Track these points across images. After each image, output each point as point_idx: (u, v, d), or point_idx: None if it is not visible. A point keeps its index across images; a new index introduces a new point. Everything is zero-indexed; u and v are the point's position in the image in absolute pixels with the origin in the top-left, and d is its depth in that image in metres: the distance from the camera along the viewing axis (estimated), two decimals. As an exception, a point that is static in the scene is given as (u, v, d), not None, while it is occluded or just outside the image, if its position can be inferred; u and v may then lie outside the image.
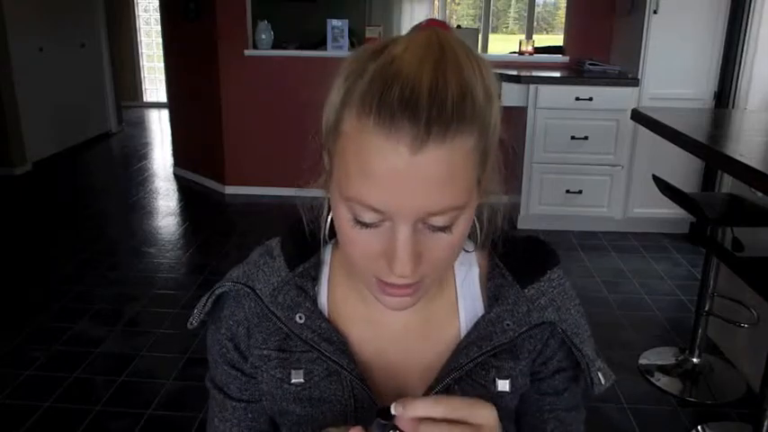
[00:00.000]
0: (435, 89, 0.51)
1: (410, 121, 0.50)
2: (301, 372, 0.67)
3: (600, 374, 0.69)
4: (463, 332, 0.69)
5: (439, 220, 0.54)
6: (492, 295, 0.70)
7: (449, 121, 0.51)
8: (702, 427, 2.15)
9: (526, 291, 0.69)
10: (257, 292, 0.68)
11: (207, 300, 0.70)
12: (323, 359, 0.66)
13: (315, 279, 0.70)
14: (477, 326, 0.68)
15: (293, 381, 0.68)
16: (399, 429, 0.51)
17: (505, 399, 0.69)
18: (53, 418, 2.16)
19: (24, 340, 2.64)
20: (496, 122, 0.56)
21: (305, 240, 0.70)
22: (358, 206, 0.54)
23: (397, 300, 0.60)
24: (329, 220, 0.67)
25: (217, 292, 0.70)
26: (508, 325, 0.67)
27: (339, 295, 0.70)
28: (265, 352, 0.69)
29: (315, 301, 0.69)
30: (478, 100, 0.53)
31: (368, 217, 0.55)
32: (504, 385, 0.68)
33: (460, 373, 0.66)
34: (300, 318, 0.67)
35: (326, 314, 0.69)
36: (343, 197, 0.55)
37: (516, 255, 0.71)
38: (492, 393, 0.68)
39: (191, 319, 0.70)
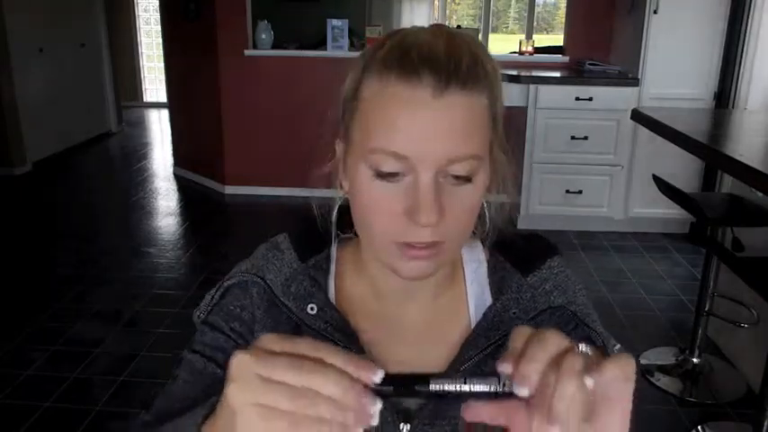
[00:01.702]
0: (451, 52, 0.56)
1: (431, 72, 0.55)
2: None
3: (617, 351, 0.69)
4: (473, 325, 0.69)
5: (460, 169, 0.56)
6: (497, 287, 0.70)
7: (465, 77, 0.56)
8: (702, 427, 2.15)
9: (528, 278, 0.69)
10: (267, 282, 0.68)
11: (216, 292, 0.70)
12: None
13: (326, 272, 0.70)
14: (484, 317, 0.68)
15: None
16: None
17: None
18: (53, 418, 2.16)
19: (24, 340, 2.64)
20: (502, 98, 0.61)
21: (313, 235, 0.71)
22: (381, 156, 0.56)
23: (416, 264, 0.59)
24: (334, 215, 0.69)
25: (226, 284, 0.70)
26: (515, 313, 0.68)
27: (347, 290, 0.71)
28: None
29: (326, 292, 0.69)
30: (488, 69, 0.58)
31: (390, 166, 0.56)
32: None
33: (470, 365, 0.66)
34: (312, 308, 0.67)
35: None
36: (366, 151, 0.57)
37: (516, 248, 0.72)
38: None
39: (197, 312, 0.70)
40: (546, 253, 0.72)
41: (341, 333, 0.66)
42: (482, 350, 0.66)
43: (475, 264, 0.72)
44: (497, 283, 0.70)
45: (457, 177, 0.57)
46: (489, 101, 0.58)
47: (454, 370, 0.66)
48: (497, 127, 0.61)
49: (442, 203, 0.56)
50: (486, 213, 0.68)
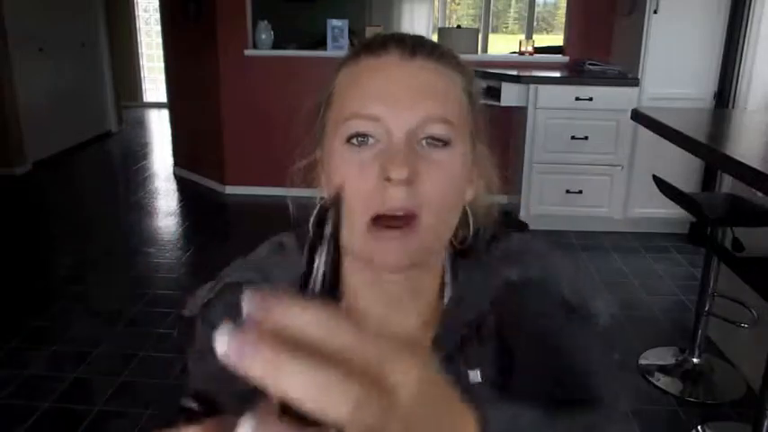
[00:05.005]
0: (415, 35, 0.61)
1: (398, 46, 0.58)
2: None
3: (603, 308, 0.62)
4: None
5: (435, 130, 0.56)
6: (453, 279, 0.66)
7: (432, 49, 0.59)
8: (702, 428, 2.15)
9: (480, 262, 0.64)
10: (273, 285, 0.65)
11: (214, 288, 0.66)
12: None
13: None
14: (443, 314, 0.64)
15: None
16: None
17: (481, 391, 0.63)
18: (53, 418, 2.16)
19: (24, 340, 2.64)
20: (478, 93, 0.63)
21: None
22: (354, 121, 0.56)
23: (390, 245, 0.55)
24: (312, 220, 0.65)
25: (226, 280, 0.66)
26: (470, 298, 0.63)
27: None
28: None
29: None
30: (459, 59, 0.61)
31: (364, 126, 0.56)
32: (475, 376, 0.63)
33: None
34: None
35: None
36: (340, 124, 0.58)
37: (480, 238, 0.67)
38: (466, 387, 0.63)
39: (187, 310, 0.66)
40: (498, 233, 0.67)
41: None
42: (444, 349, 0.62)
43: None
44: (453, 274, 0.65)
45: (433, 139, 0.56)
46: (463, 83, 0.60)
47: None
48: (477, 117, 0.61)
49: (416, 165, 0.54)
50: (470, 216, 0.64)
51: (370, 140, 0.56)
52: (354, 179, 0.56)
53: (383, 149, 0.55)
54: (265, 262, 0.68)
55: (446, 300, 0.67)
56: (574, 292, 0.62)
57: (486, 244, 0.66)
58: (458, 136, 0.57)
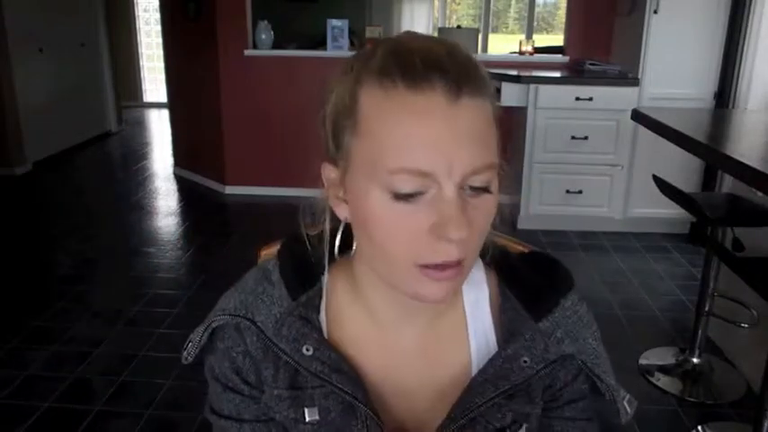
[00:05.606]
0: (453, 57, 0.54)
1: (440, 77, 0.52)
2: (315, 409, 0.64)
3: (626, 404, 0.67)
4: (474, 360, 0.66)
5: (479, 180, 0.54)
6: (506, 330, 0.67)
7: (475, 80, 0.54)
8: (702, 427, 2.15)
9: (540, 324, 0.65)
10: (258, 325, 0.64)
11: (203, 333, 0.66)
12: (336, 392, 0.63)
13: (318, 308, 0.66)
14: (492, 363, 0.65)
15: (308, 420, 0.64)
16: None
17: None
18: (53, 418, 2.16)
19: (24, 340, 2.64)
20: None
21: (304, 263, 0.67)
22: (400, 177, 0.52)
23: (442, 286, 0.56)
24: (337, 244, 0.67)
25: (213, 325, 0.66)
26: (525, 362, 0.64)
27: (342, 321, 0.67)
28: (276, 392, 0.65)
29: (321, 331, 0.65)
30: (486, 75, 0.57)
31: (411, 185, 0.53)
32: (519, 430, 0.66)
33: (474, 414, 0.63)
34: (308, 350, 0.63)
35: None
36: (383, 173, 0.53)
37: (524, 281, 0.68)
38: None
39: (185, 355, 0.66)
40: (558, 290, 0.67)
41: (338, 373, 0.63)
42: (489, 399, 0.63)
43: (474, 289, 0.68)
44: (507, 326, 0.67)
45: (475, 189, 0.54)
46: (492, 105, 0.57)
47: (461, 417, 0.63)
48: (498, 132, 0.60)
49: (468, 216, 0.53)
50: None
51: (418, 195, 0.54)
52: (402, 234, 0.55)
53: (433, 202, 0.53)
54: (249, 298, 0.66)
55: (467, 311, 0.68)
56: (611, 381, 0.67)
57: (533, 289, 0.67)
58: (495, 174, 0.56)
